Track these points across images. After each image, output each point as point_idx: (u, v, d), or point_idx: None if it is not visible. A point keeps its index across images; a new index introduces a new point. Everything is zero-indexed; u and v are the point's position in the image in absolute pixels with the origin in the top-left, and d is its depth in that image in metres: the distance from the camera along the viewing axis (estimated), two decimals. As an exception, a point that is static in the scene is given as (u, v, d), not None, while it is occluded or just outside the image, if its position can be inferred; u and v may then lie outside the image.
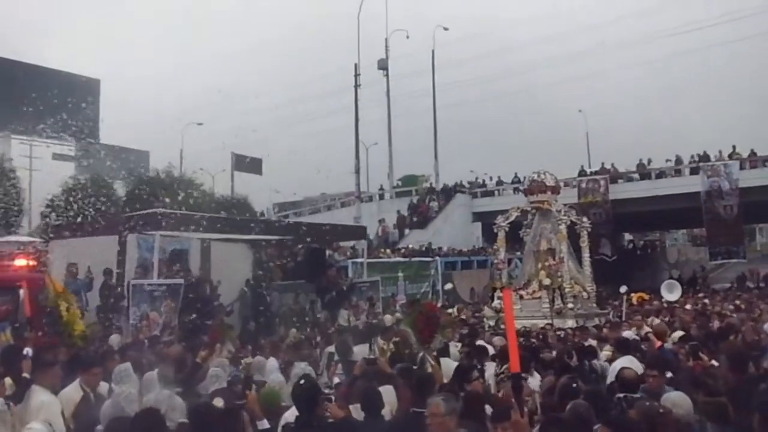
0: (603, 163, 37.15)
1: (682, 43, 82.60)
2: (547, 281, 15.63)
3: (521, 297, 15.71)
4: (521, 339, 8.78)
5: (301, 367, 7.61)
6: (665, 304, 17.27)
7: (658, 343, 9.34)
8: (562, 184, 34.53)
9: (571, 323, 14.20)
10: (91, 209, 21.10)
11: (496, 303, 16.37)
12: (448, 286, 25.71)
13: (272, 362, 8.42)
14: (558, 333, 11.68)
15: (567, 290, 15.54)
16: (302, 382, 5.37)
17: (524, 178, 19.83)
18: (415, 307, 8.53)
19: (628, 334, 10.23)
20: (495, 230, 17.84)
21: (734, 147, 33.74)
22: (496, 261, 18.15)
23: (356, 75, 36.61)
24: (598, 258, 32.02)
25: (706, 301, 19.84)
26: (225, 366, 7.32)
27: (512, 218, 17.52)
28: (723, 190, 31.87)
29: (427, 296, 24.70)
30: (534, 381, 6.89)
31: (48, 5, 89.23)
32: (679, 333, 9.39)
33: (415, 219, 34.99)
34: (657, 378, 5.74)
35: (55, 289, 9.35)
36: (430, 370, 6.65)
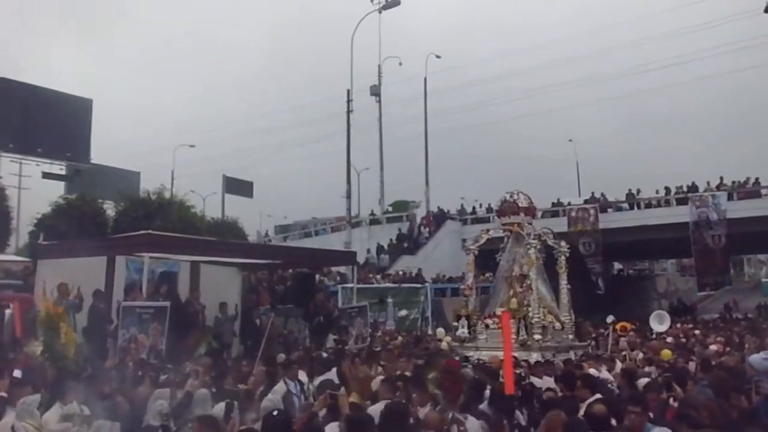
0: (593, 193, 37.45)
1: (669, 75, 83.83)
2: (499, 311, 13.99)
3: (487, 326, 14.46)
4: (474, 375, 7.97)
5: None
6: (653, 335, 17.14)
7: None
8: (552, 212, 35.02)
9: (536, 356, 12.82)
10: (80, 229, 21.01)
11: (460, 332, 15.12)
12: (403, 312, 25.14)
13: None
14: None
15: (535, 320, 14.07)
16: (275, 413, 4.90)
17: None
18: (435, 364, 7.91)
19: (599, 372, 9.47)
20: (466, 254, 16.54)
21: (722, 178, 34.21)
22: (462, 287, 16.76)
23: (349, 101, 36.91)
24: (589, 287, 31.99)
25: (697, 332, 19.64)
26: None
27: (482, 241, 16.01)
28: (711, 221, 32.15)
29: (416, 322, 24.64)
30: (472, 424, 5.76)
31: (42, 25, 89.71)
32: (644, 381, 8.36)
33: (406, 245, 35.04)
34: (639, 415, 5.30)
35: (53, 309, 9.27)
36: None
